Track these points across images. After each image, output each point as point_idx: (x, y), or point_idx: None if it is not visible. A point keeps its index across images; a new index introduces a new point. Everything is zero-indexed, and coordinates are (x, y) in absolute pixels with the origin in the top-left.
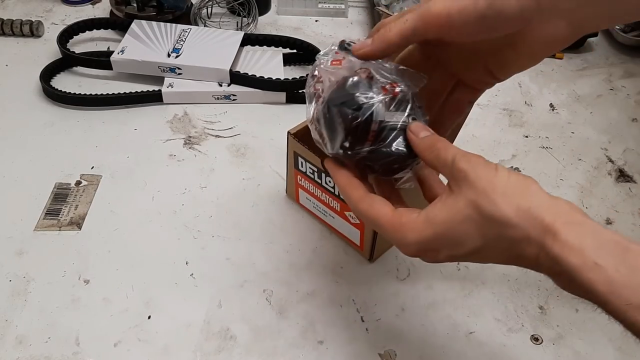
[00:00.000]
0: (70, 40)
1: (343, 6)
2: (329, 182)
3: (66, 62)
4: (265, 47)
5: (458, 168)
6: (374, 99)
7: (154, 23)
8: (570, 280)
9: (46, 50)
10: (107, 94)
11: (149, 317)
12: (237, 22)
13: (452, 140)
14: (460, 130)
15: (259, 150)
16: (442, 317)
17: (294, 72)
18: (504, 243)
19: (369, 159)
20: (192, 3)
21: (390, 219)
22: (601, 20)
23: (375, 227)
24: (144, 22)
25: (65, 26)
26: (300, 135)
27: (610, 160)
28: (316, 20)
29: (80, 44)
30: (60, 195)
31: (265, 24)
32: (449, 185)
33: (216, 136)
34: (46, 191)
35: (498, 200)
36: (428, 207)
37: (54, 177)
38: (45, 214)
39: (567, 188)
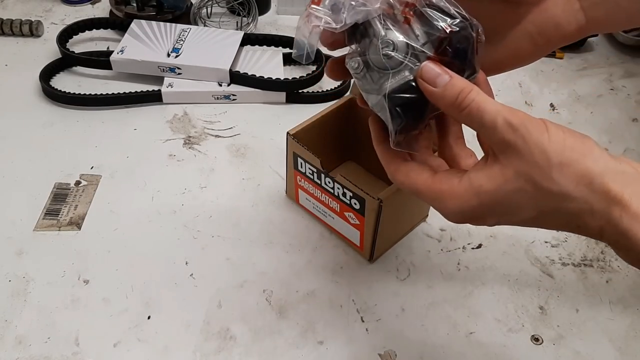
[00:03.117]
0: (69, 40)
1: None
2: (329, 182)
3: (66, 61)
4: (265, 46)
5: (503, 139)
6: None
7: (153, 23)
8: None
9: (46, 50)
10: (107, 93)
11: (149, 317)
12: (237, 22)
13: None
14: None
15: (259, 150)
16: (442, 317)
17: (294, 72)
18: (563, 216)
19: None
20: (191, 3)
21: (430, 186)
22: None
23: (417, 197)
24: (143, 21)
25: (64, 26)
26: (300, 136)
27: None
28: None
29: (80, 44)
30: (60, 195)
31: (265, 24)
32: (492, 150)
33: (216, 136)
34: (46, 191)
35: (554, 173)
36: (471, 173)
37: (53, 177)
38: (45, 214)
39: None
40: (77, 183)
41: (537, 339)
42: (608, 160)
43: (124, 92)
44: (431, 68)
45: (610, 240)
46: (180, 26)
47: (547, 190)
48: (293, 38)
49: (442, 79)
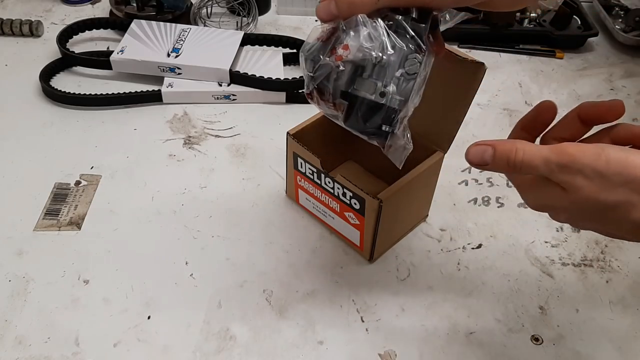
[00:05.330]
0: (69, 40)
1: None
2: (328, 182)
3: (66, 62)
4: (265, 46)
5: (562, 180)
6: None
7: (153, 23)
8: None
9: (46, 50)
10: (107, 93)
11: (149, 317)
12: (237, 22)
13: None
14: (460, 130)
15: (259, 150)
16: (442, 317)
17: (294, 72)
18: (628, 224)
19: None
20: (191, 3)
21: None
22: None
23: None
24: (143, 21)
25: (64, 26)
26: (300, 136)
27: None
28: (316, 20)
29: (80, 44)
30: (60, 195)
31: (265, 24)
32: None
33: (216, 136)
34: (46, 191)
35: (618, 189)
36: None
37: (53, 177)
38: (45, 214)
39: None
40: (77, 183)
41: (537, 339)
42: None
43: (124, 92)
44: (474, 150)
45: None
46: (180, 26)
47: (608, 202)
48: (293, 38)
49: (487, 153)
